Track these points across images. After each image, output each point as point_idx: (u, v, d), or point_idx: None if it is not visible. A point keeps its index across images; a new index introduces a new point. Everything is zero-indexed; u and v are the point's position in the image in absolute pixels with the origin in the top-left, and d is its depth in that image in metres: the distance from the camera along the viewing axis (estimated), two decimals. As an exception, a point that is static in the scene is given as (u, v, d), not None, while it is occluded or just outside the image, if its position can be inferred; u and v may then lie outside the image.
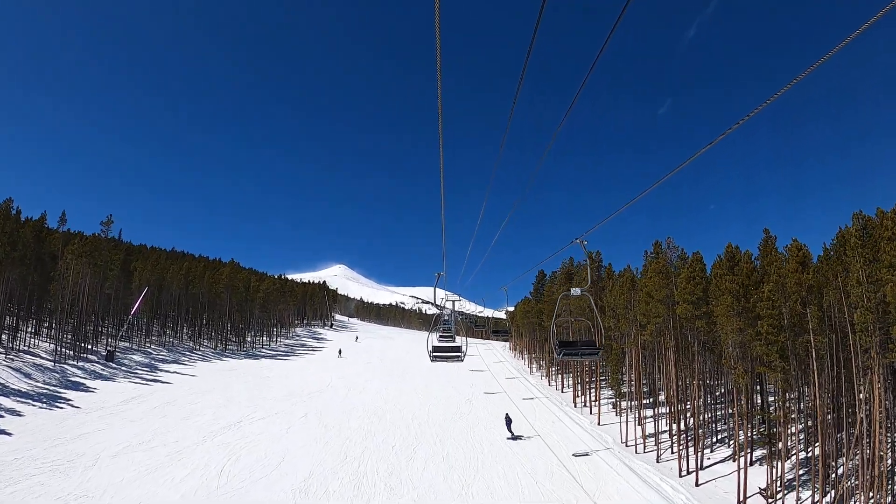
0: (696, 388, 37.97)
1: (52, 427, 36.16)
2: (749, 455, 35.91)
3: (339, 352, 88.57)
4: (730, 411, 47.46)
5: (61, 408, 41.15)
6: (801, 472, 33.78)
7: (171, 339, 79.28)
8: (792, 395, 40.05)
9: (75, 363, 54.35)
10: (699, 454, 37.20)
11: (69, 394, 45.12)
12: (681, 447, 38.35)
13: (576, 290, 11.84)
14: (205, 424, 39.29)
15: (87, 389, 47.56)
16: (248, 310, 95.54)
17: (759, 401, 43.01)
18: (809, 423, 38.66)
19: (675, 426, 42.93)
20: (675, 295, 37.82)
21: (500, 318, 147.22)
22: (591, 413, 52.62)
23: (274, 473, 30.42)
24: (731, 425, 45.49)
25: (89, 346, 61.33)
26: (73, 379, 49.60)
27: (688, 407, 43.59)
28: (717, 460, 39.63)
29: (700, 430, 41.12)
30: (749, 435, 35.64)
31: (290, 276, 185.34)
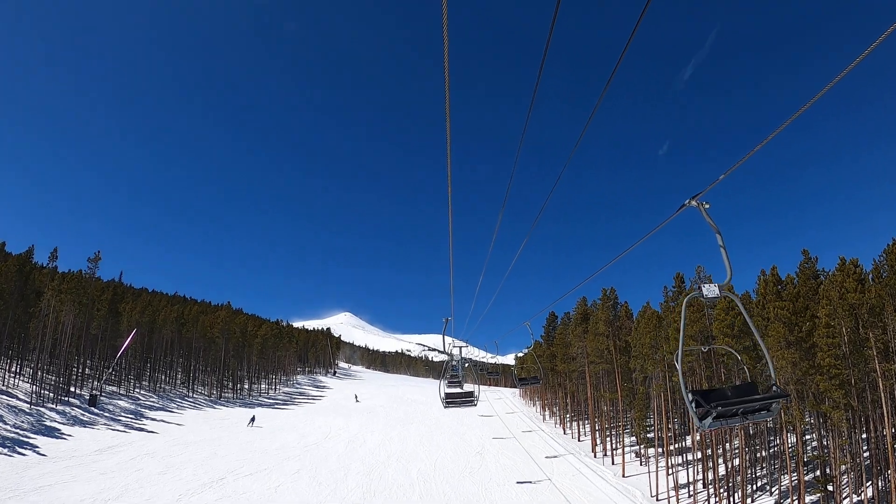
0: (743, 433, 33.49)
1: (12, 476, 32.17)
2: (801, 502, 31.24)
3: (356, 397, 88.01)
4: (764, 454, 42.72)
5: (25, 455, 36.99)
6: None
7: (163, 386, 74.91)
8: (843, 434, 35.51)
9: (54, 406, 50.19)
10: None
11: (39, 440, 40.94)
12: (721, 499, 33.64)
13: (710, 288, 6.47)
14: (183, 481, 34.87)
15: (60, 436, 43.37)
16: (245, 356, 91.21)
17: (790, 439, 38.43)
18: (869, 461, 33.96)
19: (709, 475, 38.17)
20: (713, 328, 33.73)
21: (508, 365, 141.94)
22: (612, 463, 47.77)
23: (254, 538, 26.06)
24: (771, 470, 40.69)
25: (72, 389, 57.23)
26: (48, 424, 45.43)
27: (719, 452, 39.02)
28: (761, 513, 34.89)
29: (738, 478, 36.46)
30: (800, 480, 31.00)
31: (294, 323, 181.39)
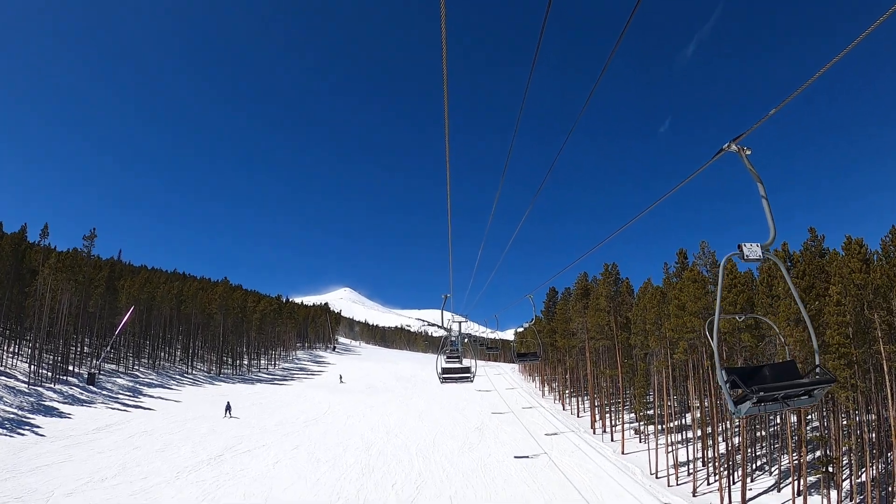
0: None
1: (9, 456, 31.88)
2: (799, 484, 31.12)
3: (340, 377, 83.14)
4: (763, 433, 42.67)
5: (24, 435, 36.78)
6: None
7: (162, 363, 74.87)
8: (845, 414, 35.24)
9: (52, 386, 50.03)
10: (744, 486, 32.37)
11: (38, 419, 40.78)
12: (722, 478, 33.53)
13: (752, 249, 5.06)
14: (181, 458, 34.71)
15: (59, 415, 43.23)
16: (244, 332, 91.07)
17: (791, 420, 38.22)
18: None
19: (708, 453, 38.08)
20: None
21: (507, 340, 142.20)
22: (612, 440, 47.76)
23: (251, 518, 25.87)
24: (771, 450, 40.66)
25: (71, 368, 57.06)
26: (46, 403, 45.26)
27: (719, 430, 38.92)
28: (760, 491, 34.83)
29: (738, 457, 36.40)
30: (801, 461, 30.81)
31: (294, 299, 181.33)
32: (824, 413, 34.12)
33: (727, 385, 5.54)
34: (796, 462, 32.44)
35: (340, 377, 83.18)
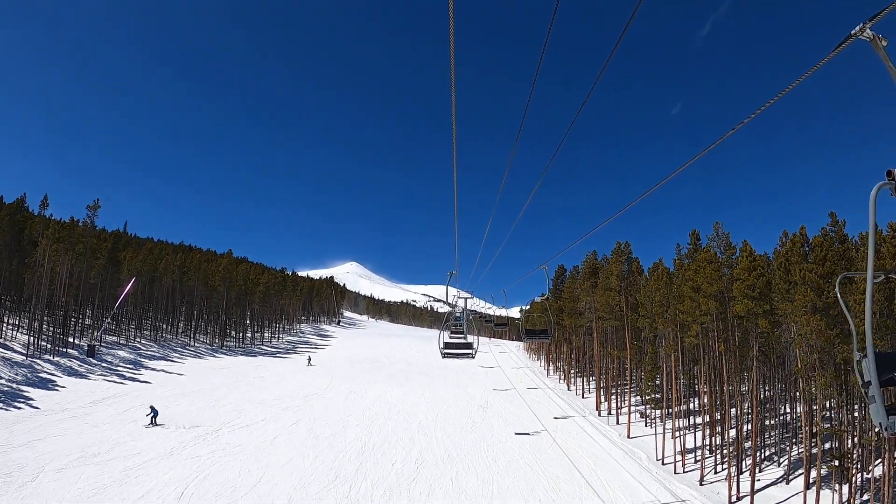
0: (755, 400, 31.94)
1: (2, 430, 31.25)
2: (809, 476, 30.07)
3: (309, 360, 71.27)
4: (771, 422, 41.54)
5: (19, 408, 36.20)
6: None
7: (165, 335, 74.40)
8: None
9: (51, 358, 49.50)
10: (753, 477, 31.33)
11: (33, 392, 40.20)
12: (731, 466, 32.50)
13: None
14: (176, 433, 33.98)
15: (55, 387, 42.69)
16: (248, 304, 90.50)
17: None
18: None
19: (716, 440, 37.03)
20: (734, 289, 31.66)
21: (513, 318, 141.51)
22: (617, 423, 46.81)
23: (244, 499, 25.02)
24: (779, 440, 39.59)
25: (71, 340, 56.55)
26: (42, 375, 44.71)
27: (728, 419, 37.85)
28: (769, 482, 33.73)
29: (748, 444, 35.35)
30: (817, 452, 29.69)
31: (300, 273, 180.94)
32: (833, 405, 32.83)
33: (878, 381, 3.64)
34: (808, 453, 31.37)
35: (309, 359, 71.34)
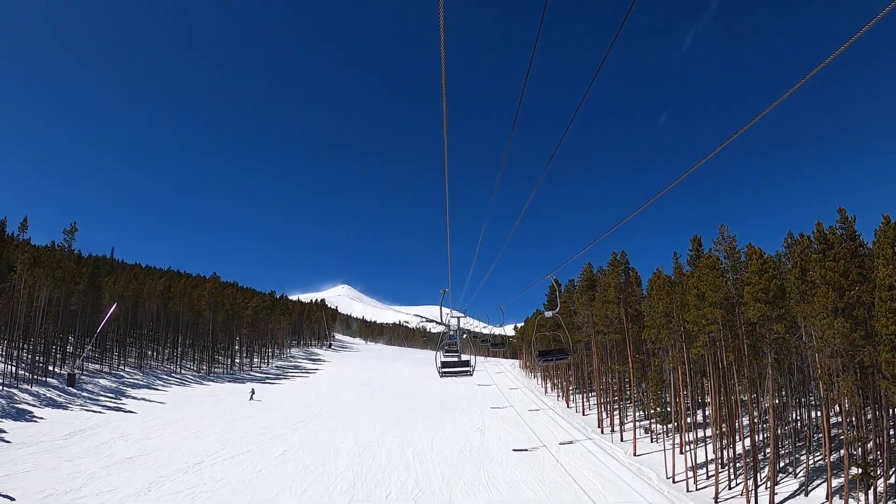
0: (772, 409, 30.27)
1: (-33, 469, 28.96)
2: (830, 486, 28.40)
3: (252, 392, 59.57)
4: (783, 430, 39.85)
5: (-13, 442, 33.89)
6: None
7: (150, 362, 71.80)
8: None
9: (29, 387, 47.15)
10: (772, 490, 29.59)
11: (7, 424, 37.88)
12: (747, 479, 30.76)
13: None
14: (156, 466, 31.75)
15: (31, 419, 40.35)
16: (235, 329, 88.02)
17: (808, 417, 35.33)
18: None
19: (728, 453, 35.24)
20: (745, 294, 30.13)
21: (508, 336, 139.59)
22: (622, 440, 44.95)
23: (227, 537, 22.98)
24: (793, 448, 37.83)
25: (51, 368, 54.05)
26: (20, 406, 42.38)
27: (736, 429, 36.19)
28: (787, 495, 31.93)
29: (766, 453, 33.71)
30: (844, 461, 28.08)
31: (292, 296, 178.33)
32: (847, 408, 31.26)
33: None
34: (821, 462, 29.73)
35: (252, 392, 59.80)
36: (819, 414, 39.90)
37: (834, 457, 33.92)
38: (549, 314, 17.43)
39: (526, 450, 38.38)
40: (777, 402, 41.60)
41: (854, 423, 29.45)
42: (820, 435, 37.91)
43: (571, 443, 43.63)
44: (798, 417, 42.02)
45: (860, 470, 26.76)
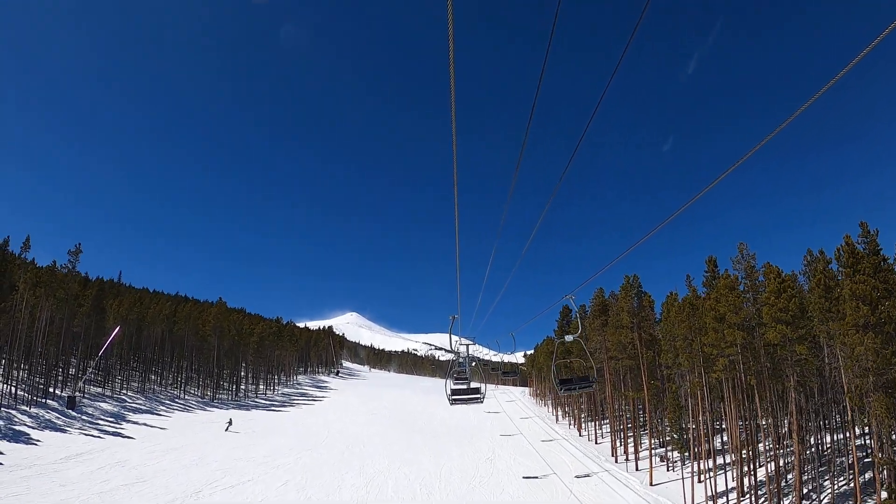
0: (795, 435, 28.67)
1: (-44, 492, 27.96)
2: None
3: (229, 422, 55.30)
4: (804, 455, 37.90)
5: (-20, 465, 32.88)
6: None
7: (153, 386, 70.72)
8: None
9: (28, 409, 46.28)
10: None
11: (2, 445, 37.14)
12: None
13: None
14: (151, 495, 30.53)
15: (29, 441, 39.46)
16: (241, 355, 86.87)
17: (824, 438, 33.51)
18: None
19: (748, 480, 33.41)
20: (764, 314, 28.89)
21: (518, 363, 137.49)
22: (637, 469, 43.11)
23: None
24: (816, 474, 35.86)
25: (52, 391, 53.16)
26: (17, 428, 41.53)
27: (755, 456, 34.37)
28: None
29: (790, 479, 31.87)
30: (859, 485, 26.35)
31: (300, 323, 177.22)
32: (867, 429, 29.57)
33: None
34: (846, 488, 27.90)
35: (229, 421, 55.61)
36: (840, 437, 38.13)
37: (861, 480, 32.11)
38: (569, 338, 16.73)
39: (537, 477, 36.79)
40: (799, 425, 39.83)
41: (884, 444, 27.81)
42: (842, 459, 36.12)
43: (588, 475, 41.84)
44: (818, 441, 40.16)
45: (893, 496, 25.09)
